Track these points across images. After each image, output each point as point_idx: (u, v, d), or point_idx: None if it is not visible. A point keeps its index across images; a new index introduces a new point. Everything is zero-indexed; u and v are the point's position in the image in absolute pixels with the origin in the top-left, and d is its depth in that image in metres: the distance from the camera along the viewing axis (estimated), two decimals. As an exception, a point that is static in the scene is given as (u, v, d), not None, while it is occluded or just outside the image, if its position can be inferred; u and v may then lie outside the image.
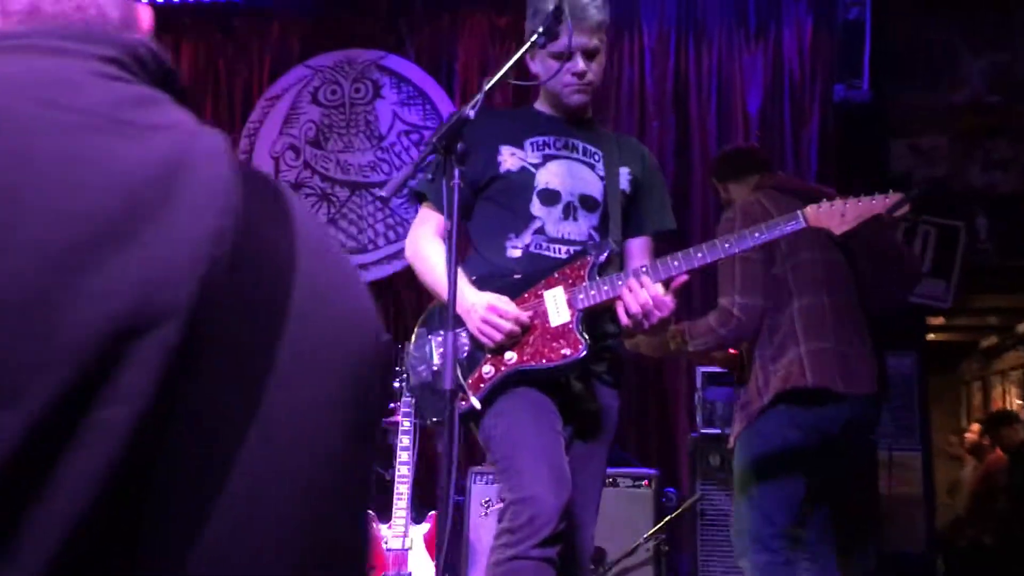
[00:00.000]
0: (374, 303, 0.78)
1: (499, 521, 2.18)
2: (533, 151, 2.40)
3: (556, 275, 2.29)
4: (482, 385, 2.25)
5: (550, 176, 2.37)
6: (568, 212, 2.35)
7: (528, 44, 2.13)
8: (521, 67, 2.43)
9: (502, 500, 2.21)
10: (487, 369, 2.26)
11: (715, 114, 5.51)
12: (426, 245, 2.39)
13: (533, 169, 2.38)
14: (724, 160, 3.42)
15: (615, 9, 5.52)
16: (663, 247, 2.46)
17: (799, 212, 2.26)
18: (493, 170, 2.38)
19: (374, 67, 5.66)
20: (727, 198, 3.23)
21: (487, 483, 4.01)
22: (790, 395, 2.82)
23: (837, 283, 2.95)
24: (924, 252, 5.53)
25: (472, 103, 1.86)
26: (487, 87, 1.94)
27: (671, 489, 4.14)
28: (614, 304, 2.23)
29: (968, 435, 7.93)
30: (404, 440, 3.89)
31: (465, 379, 2.25)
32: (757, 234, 2.18)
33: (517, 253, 2.34)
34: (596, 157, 2.42)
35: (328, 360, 0.69)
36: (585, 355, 2.22)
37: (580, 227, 2.36)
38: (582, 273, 2.27)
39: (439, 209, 2.42)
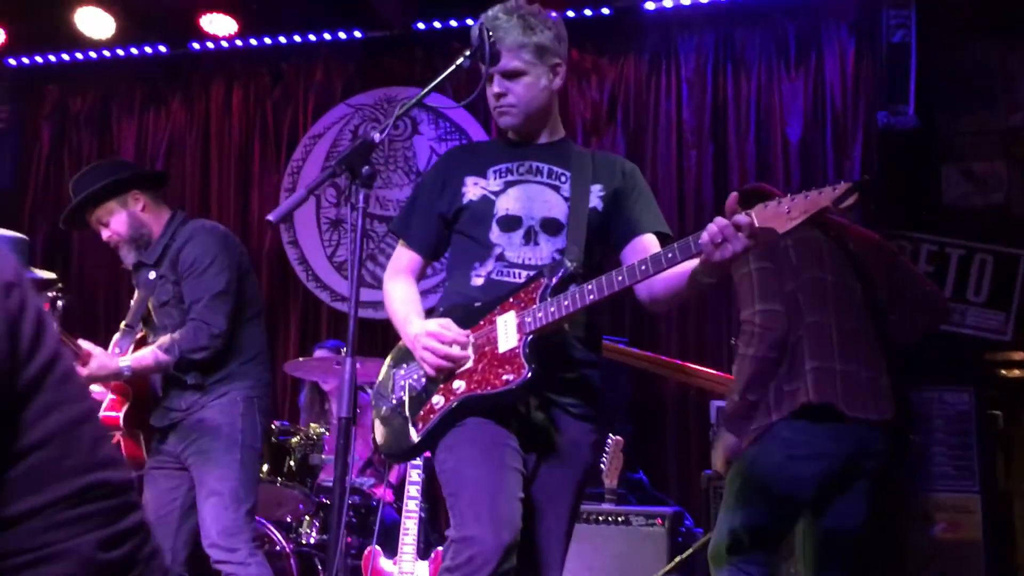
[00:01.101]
0: None
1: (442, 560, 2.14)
2: (495, 178, 2.39)
3: (511, 300, 2.24)
4: (432, 416, 2.21)
5: (510, 202, 2.34)
6: (529, 237, 2.32)
7: (451, 68, 2.12)
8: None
9: (447, 537, 2.16)
10: (436, 400, 2.22)
11: (754, 143, 5.39)
12: (389, 282, 2.44)
13: (493, 197, 2.36)
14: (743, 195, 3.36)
15: (650, 43, 5.54)
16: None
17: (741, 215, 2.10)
18: (459, 202, 2.38)
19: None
20: None
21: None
22: (798, 414, 2.71)
23: (847, 306, 2.85)
24: (980, 282, 5.26)
25: (381, 127, 1.87)
26: (398, 113, 1.96)
27: (689, 521, 4.01)
28: (581, 331, 2.20)
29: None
30: (414, 475, 3.88)
31: (416, 412, 2.23)
32: (670, 254, 2.09)
33: (480, 281, 2.32)
34: (563, 178, 2.36)
35: None
36: (528, 379, 2.11)
37: (542, 251, 2.31)
38: (534, 296, 2.21)
39: (410, 245, 2.45)
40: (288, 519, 4.37)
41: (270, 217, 1.87)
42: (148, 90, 6.31)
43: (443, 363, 2.19)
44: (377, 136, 1.83)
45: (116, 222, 3.26)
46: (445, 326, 2.22)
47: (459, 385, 2.20)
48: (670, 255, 2.02)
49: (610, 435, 4.01)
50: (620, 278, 2.08)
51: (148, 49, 6.15)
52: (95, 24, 5.82)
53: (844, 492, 2.76)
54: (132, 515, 0.82)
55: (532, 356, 2.14)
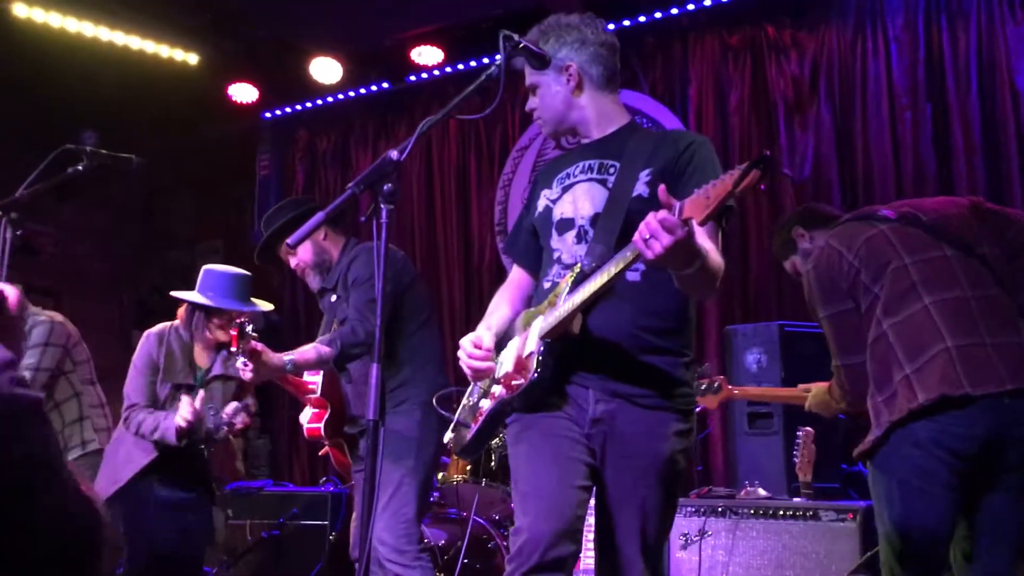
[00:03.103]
0: None
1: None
2: (557, 186, 2.43)
3: (546, 304, 2.29)
4: (479, 418, 2.33)
5: (565, 206, 2.38)
6: (580, 236, 2.32)
7: (475, 84, 2.19)
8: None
9: None
10: (484, 403, 2.34)
11: (977, 98, 4.87)
12: (495, 297, 2.58)
13: (552, 204, 2.41)
14: (808, 211, 3.17)
15: (853, 5, 5.20)
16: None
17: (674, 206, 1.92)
18: (533, 215, 2.48)
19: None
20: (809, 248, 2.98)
21: (685, 516, 3.89)
22: (903, 421, 2.49)
23: (946, 279, 2.55)
24: None
25: (401, 146, 1.97)
26: (421, 130, 2.03)
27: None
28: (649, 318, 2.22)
29: None
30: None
31: (472, 415, 2.36)
32: (611, 267, 2.01)
33: (547, 286, 2.37)
34: (612, 170, 2.34)
35: None
36: (535, 381, 2.16)
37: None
38: (556, 300, 2.24)
39: (514, 261, 2.59)
40: (496, 516, 4.57)
41: (288, 241, 2.04)
42: (378, 123, 6.87)
43: (470, 372, 2.32)
44: (395, 154, 1.93)
45: (302, 251, 3.58)
46: (476, 337, 2.33)
47: (497, 390, 2.33)
48: (621, 257, 2.01)
49: (800, 428, 3.82)
50: (593, 280, 2.08)
51: (373, 87, 6.70)
52: (327, 71, 6.46)
53: (994, 488, 2.46)
54: None
55: (546, 359, 2.17)
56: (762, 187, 1.77)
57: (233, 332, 3.10)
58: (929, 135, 4.97)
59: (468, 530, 4.27)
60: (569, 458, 2.20)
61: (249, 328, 3.11)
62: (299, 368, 3.33)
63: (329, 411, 3.63)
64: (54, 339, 4.28)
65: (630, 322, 2.23)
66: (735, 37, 5.57)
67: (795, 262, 3.12)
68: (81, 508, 1.12)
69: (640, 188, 2.27)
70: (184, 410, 3.50)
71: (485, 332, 2.37)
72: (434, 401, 3.44)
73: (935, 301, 2.52)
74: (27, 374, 4.20)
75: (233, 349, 3.12)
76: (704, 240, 2.04)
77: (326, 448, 3.79)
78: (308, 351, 3.28)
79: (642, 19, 5.70)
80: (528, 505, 2.16)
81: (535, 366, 2.17)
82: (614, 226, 2.23)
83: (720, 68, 5.59)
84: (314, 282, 3.65)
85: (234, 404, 3.61)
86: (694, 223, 1.82)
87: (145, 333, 3.76)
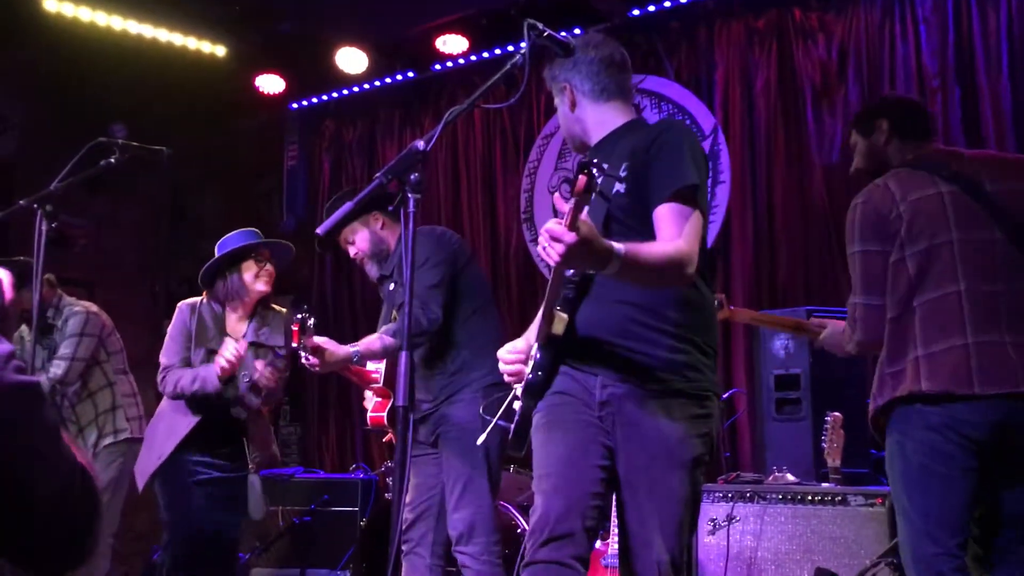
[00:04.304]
0: None
1: None
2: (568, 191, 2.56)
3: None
4: (515, 417, 2.39)
5: None
6: None
7: (500, 73, 2.22)
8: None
9: None
10: (516, 404, 2.41)
11: (1008, 80, 4.81)
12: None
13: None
14: (906, 111, 2.89)
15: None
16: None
17: None
18: None
19: (634, 90, 5.76)
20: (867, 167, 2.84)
21: (713, 501, 3.90)
22: (907, 399, 2.49)
23: (985, 266, 2.52)
24: None
25: (427, 136, 1.99)
26: (447, 119, 2.05)
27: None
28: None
29: None
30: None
31: (510, 418, 2.44)
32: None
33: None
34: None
35: None
36: (529, 381, 2.32)
37: None
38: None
39: None
40: (524, 502, 4.60)
41: (319, 231, 2.08)
42: (404, 113, 6.89)
43: (506, 375, 2.47)
44: (422, 144, 1.95)
45: (360, 240, 3.60)
46: (510, 348, 2.49)
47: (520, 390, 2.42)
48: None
49: (828, 412, 3.81)
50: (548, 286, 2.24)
51: (399, 77, 6.72)
52: (352, 61, 6.48)
53: (1013, 479, 2.45)
54: None
55: (540, 361, 2.32)
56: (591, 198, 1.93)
57: (294, 327, 3.16)
58: (959, 118, 4.92)
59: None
60: (583, 438, 2.27)
61: (311, 323, 3.16)
62: (365, 359, 3.38)
63: (392, 399, 3.65)
64: (89, 329, 4.35)
65: (625, 313, 2.29)
66: (761, 21, 5.53)
67: (858, 143, 2.91)
68: (80, 482, 1.18)
69: (618, 186, 2.33)
70: (228, 350, 3.51)
71: (522, 341, 2.50)
72: (481, 410, 3.52)
73: (969, 289, 2.50)
74: (63, 363, 4.27)
75: (295, 345, 3.15)
76: (661, 239, 2.19)
77: (390, 435, 3.85)
78: (374, 341, 3.35)
79: (667, 4, 5.67)
80: (542, 485, 2.27)
81: (529, 368, 2.34)
82: (596, 224, 2.26)
83: (746, 52, 5.55)
84: (373, 271, 3.67)
85: (261, 362, 3.63)
86: (587, 226, 1.93)
87: (178, 306, 3.82)
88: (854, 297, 2.68)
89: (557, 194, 2.30)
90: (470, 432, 3.32)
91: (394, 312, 3.59)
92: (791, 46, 5.43)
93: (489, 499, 3.36)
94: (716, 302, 3.20)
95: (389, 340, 3.34)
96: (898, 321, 2.57)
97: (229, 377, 3.58)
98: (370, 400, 3.82)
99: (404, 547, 3.44)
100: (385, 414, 3.69)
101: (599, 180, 1.88)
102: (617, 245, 2.02)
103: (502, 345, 3.58)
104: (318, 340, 3.23)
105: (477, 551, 3.30)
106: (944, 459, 2.46)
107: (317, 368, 3.24)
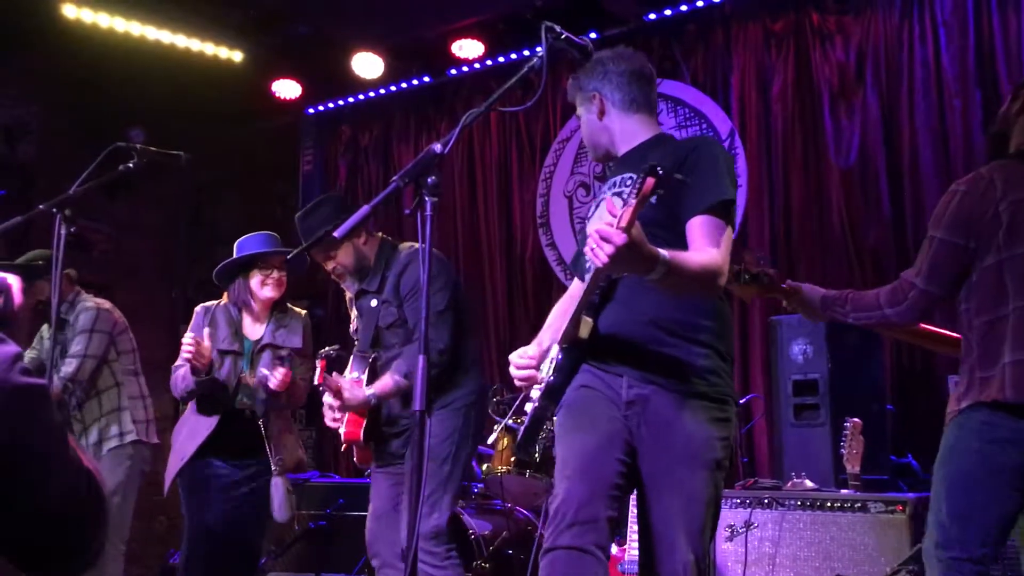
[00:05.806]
0: None
1: None
2: (593, 206, 2.61)
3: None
4: (525, 420, 2.43)
5: (595, 219, 2.46)
6: None
7: (517, 76, 2.21)
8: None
9: None
10: (527, 407, 2.45)
11: (1029, 83, 4.75)
12: (554, 308, 2.72)
13: (588, 218, 2.58)
14: None
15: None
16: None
17: None
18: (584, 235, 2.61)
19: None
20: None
21: (731, 507, 3.88)
22: (990, 406, 2.47)
23: None
24: None
25: (444, 139, 1.98)
26: (465, 122, 2.05)
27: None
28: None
29: None
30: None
31: (520, 421, 2.53)
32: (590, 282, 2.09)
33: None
34: (628, 181, 2.40)
35: None
36: (550, 383, 2.36)
37: None
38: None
39: (579, 277, 2.65)
40: (541, 507, 4.58)
41: (336, 233, 2.07)
42: (420, 118, 6.90)
43: (517, 381, 2.46)
44: (439, 148, 1.95)
45: (343, 255, 3.52)
46: (520, 353, 2.49)
47: (535, 394, 2.44)
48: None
49: (847, 418, 3.78)
50: (583, 294, 2.28)
51: (415, 81, 6.73)
52: (368, 66, 6.50)
53: None
54: None
55: (562, 364, 2.36)
56: (654, 200, 1.96)
57: (320, 363, 3.20)
58: (979, 123, 4.87)
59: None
60: (607, 431, 2.30)
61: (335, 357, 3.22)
62: (381, 400, 3.44)
63: (368, 417, 3.56)
64: (100, 325, 4.29)
65: (650, 317, 2.32)
66: (778, 23, 5.50)
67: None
68: (86, 486, 1.18)
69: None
70: (184, 340, 3.53)
71: (534, 346, 2.51)
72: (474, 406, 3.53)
73: None
74: (74, 361, 4.21)
75: (318, 383, 3.27)
76: (696, 249, 2.22)
77: (358, 454, 3.69)
78: (387, 383, 3.39)
79: (683, 7, 5.66)
80: (565, 471, 2.29)
81: (550, 371, 2.34)
82: None
83: (763, 55, 5.53)
84: (352, 287, 3.62)
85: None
86: (637, 229, 1.94)
87: (196, 309, 3.85)
88: (916, 278, 2.62)
89: (610, 195, 2.29)
90: (439, 443, 3.33)
91: (377, 330, 3.54)
92: (808, 49, 5.40)
93: (447, 512, 3.37)
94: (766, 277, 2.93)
95: (402, 382, 3.36)
96: (992, 325, 2.53)
97: (238, 380, 3.63)
98: (341, 418, 3.56)
99: (375, 561, 3.50)
100: (362, 432, 3.51)
101: (663, 184, 1.92)
102: (663, 251, 2.05)
103: (480, 364, 3.62)
104: (340, 381, 3.29)
105: (439, 559, 3.31)
106: (998, 474, 2.45)
107: (337, 409, 3.35)
